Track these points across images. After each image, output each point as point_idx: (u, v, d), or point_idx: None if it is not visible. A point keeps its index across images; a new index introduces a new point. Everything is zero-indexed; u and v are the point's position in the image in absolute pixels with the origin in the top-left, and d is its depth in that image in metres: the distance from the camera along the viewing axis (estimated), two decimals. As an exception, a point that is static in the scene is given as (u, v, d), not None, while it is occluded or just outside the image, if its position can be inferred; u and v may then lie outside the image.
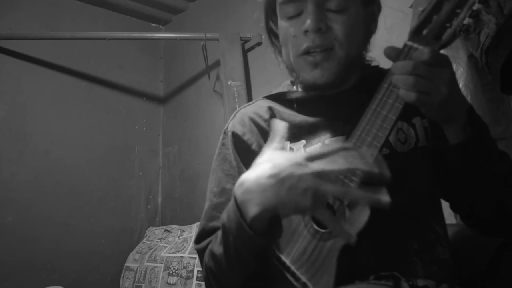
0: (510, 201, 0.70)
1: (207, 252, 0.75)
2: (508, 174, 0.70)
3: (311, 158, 0.58)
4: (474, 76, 1.23)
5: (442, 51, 0.61)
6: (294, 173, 0.57)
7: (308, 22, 0.73)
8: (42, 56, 2.20)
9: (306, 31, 0.74)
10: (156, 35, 2.63)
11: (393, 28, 1.55)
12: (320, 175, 0.56)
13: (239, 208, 0.62)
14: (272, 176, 0.58)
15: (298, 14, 0.77)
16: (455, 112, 0.64)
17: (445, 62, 0.61)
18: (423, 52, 0.58)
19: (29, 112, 2.13)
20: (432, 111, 0.62)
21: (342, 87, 0.82)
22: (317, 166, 0.57)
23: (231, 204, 0.65)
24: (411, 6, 1.30)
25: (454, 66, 1.27)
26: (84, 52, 2.34)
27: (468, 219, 0.77)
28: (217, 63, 2.25)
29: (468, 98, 1.23)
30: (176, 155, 2.55)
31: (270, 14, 0.86)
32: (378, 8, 0.84)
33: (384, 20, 1.56)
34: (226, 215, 0.66)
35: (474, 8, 0.57)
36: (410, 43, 0.61)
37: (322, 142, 0.77)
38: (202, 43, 2.14)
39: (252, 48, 2.18)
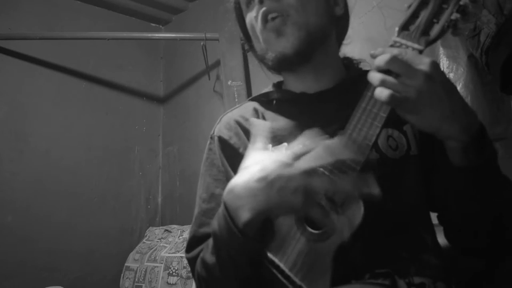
0: (495, 229, 0.69)
1: (198, 261, 0.74)
2: (504, 204, 0.68)
3: (297, 157, 0.59)
4: (474, 76, 1.23)
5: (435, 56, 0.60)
6: (282, 174, 0.57)
7: None
8: (42, 56, 2.20)
9: (260, 1, 0.77)
10: (156, 35, 2.63)
11: (393, 28, 1.55)
12: (308, 173, 0.57)
13: (231, 215, 0.62)
14: (261, 179, 0.59)
15: None
16: (443, 126, 0.59)
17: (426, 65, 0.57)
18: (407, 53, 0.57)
19: (29, 112, 2.13)
20: (406, 113, 0.59)
21: (324, 85, 0.81)
22: (303, 164, 0.58)
23: (221, 211, 0.65)
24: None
25: (454, 66, 1.27)
26: (84, 52, 2.34)
27: (451, 235, 0.76)
28: (217, 63, 2.25)
29: (468, 98, 1.23)
30: (176, 155, 2.55)
31: (241, 20, 0.89)
32: None
33: (384, 20, 1.55)
34: (217, 223, 0.65)
35: (461, 3, 0.57)
36: (398, 39, 0.61)
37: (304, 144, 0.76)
38: (202, 43, 2.14)
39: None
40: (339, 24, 0.86)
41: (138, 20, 2.65)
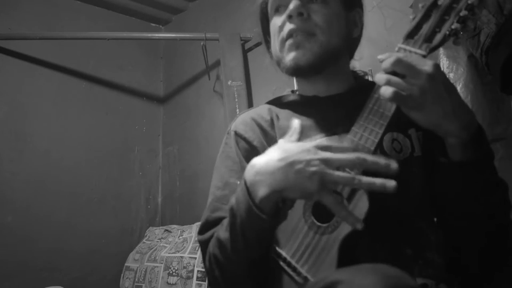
0: (491, 229, 0.71)
1: (212, 240, 0.76)
2: (500, 203, 0.71)
3: (321, 147, 0.62)
4: (474, 76, 1.23)
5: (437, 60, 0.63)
6: (302, 158, 0.61)
7: (291, 7, 0.81)
8: (42, 56, 2.20)
9: (289, 16, 0.82)
10: (156, 35, 2.63)
11: (393, 28, 1.55)
12: (327, 162, 0.60)
13: (249, 189, 0.65)
14: (281, 159, 0.62)
15: (284, 6, 0.84)
16: (444, 122, 0.63)
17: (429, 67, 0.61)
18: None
19: (29, 112, 2.13)
20: (410, 110, 0.63)
21: (334, 90, 0.87)
22: (325, 154, 0.61)
23: (240, 186, 0.68)
24: (411, 6, 1.31)
25: (454, 66, 1.27)
26: (84, 52, 2.34)
27: (450, 239, 0.76)
28: (217, 63, 2.25)
29: (468, 98, 1.23)
30: (176, 155, 2.55)
31: (264, 20, 0.95)
32: (359, 17, 0.90)
33: (384, 20, 1.56)
34: (235, 198, 0.69)
35: (461, 14, 0.62)
36: (403, 46, 0.66)
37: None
38: (202, 43, 2.14)
39: (252, 48, 2.17)
40: (353, 43, 0.92)
41: (138, 20, 2.65)
